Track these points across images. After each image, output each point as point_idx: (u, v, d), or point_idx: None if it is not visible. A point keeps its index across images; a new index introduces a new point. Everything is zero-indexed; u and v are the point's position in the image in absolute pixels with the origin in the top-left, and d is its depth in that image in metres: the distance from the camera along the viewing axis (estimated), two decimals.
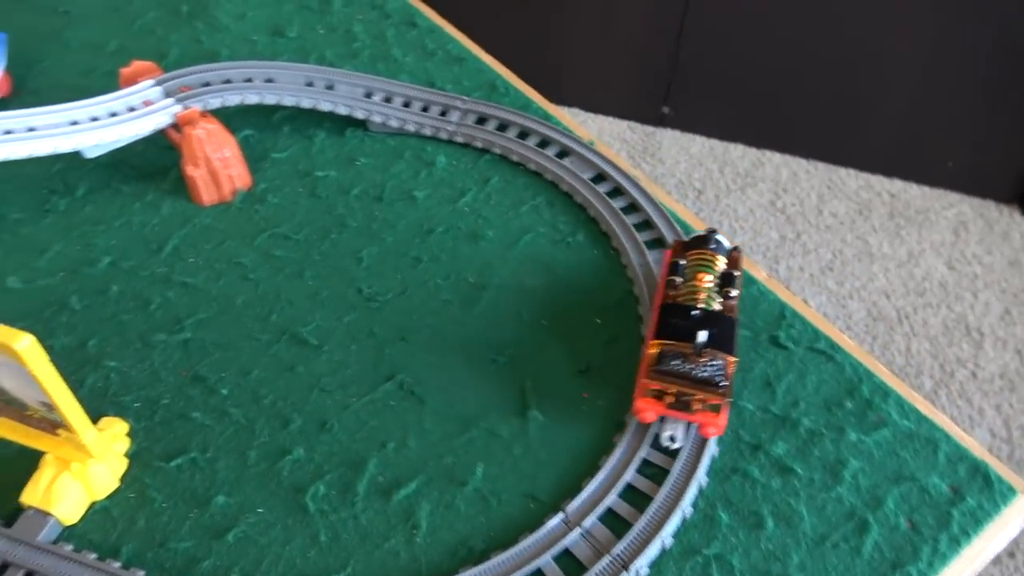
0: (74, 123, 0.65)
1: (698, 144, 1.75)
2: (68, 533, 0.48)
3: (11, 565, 0.45)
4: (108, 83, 0.78)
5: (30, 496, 0.47)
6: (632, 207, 0.69)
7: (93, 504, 0.49)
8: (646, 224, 0.67)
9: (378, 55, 0.87)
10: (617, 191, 0.70)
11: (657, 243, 0.65)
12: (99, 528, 0.48)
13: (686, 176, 1.67)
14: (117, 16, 0.92)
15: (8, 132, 0.63)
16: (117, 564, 0.46)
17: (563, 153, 0.73)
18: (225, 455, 0.52)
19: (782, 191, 1.64)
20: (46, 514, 0.47)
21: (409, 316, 0.61)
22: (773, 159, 1.72)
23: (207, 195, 0.68)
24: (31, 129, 0.64)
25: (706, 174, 1.68)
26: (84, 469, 0.47)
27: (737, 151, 1.73)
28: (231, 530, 0.48)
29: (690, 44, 1.69)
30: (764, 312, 0.61)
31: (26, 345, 0.38)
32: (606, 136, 1.76)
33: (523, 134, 0.76)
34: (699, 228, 0.66)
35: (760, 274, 0.65)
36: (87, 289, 0.62)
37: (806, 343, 0.59)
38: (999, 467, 0.53)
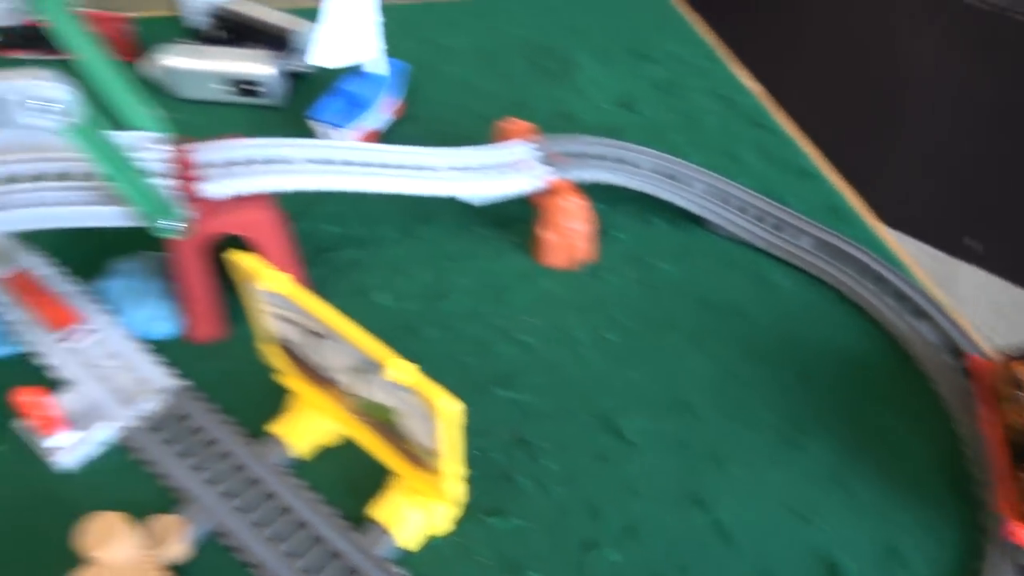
0: (461, 168, 0.72)
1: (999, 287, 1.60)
2: (400, 557, 0.53)
3: (358, 572, 0.51)
4: (477, 124, 0.86)
5: (380, 513, 0.52)
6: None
7: (428, 538, 0.54)
8: None
9: (723, 149, 0.88)
10: (966, 372, 0.66)
11: None
12: (428, 561, 0.53)
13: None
14: (487, 61, 1.00)
15: (401, 167, 0.70)
16: None
17: (919, 313, 0.70)
18: (541, 529, 0.55)
19: None
20: (387, 532, 0.52)
21: (726, 441, 0.61)
22: None
23: (554, 260, 0.73)
24: (415, 168, 0.71)
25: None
26: (432, 505, 0.52)
27: None
28: None
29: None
30: None
31: (453, 411, 0.43)
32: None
33: (879, 279, 0.73)
34: None
35: None
36: (438, 323, 0.68)
37: None
38: None
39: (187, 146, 0.63)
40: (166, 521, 0.51)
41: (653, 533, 0.55)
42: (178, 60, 0.87)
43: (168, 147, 0.61)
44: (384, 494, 0.53)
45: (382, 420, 0.51)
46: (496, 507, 0.55)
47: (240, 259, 0.50)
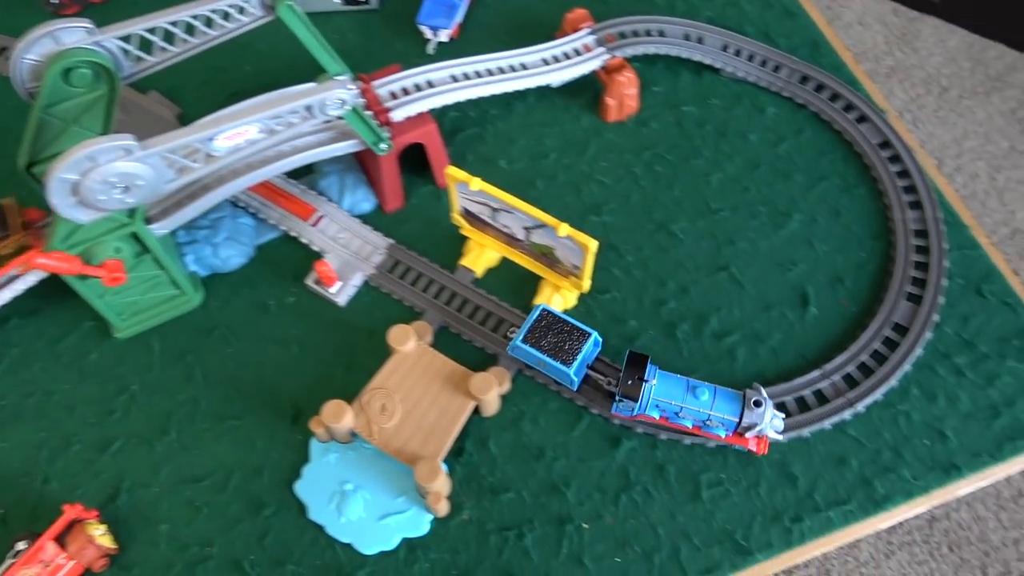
0: (544, 62, 1.00)
1: (958, 38, 1.84)
2: None
3: None
4: (530, 6, 1.11)
5: (539, 301, 0.89)
6: (905, 173, 0.97)
7: (564, 311, 0.91)
8: (912, 189, 0.96)
9: (728, 1, 1.13)
10: (896, 158, 0.98)
11: (917, 206, 0.95)
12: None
13: (936, 71, 1.80)
14: None
15: (500, 71, 0.99)
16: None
17: (862, 119, 1.01)
18: (630, 297, 0.92)
19: None
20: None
21: (738, 228, 0.96)
22: None
23: (614, 116, 1.03)
24: (514, 68, 1.00)
25: (956, 71, 1.80)
26: (568, 294, 0.89)
27: (995, 51, 1.82)
28: (637, 339, 0.89)
29: None
30: (977, 269, 0.92)
31: (593, 247, 0.77)
32: (869, 16, 1.88)
33: (834, 96, 1.03)
34: (960, 211, 0.95)
35: (982, 239, 0.94)
36: (542, 175, 1.01)
37: (1000, 296, 0.90)
38: None
39: (366, 84, 0.92)
40: (418, 324, 0.89)
41: (697, 290, 0.92)
42: None
43: (357, 86, 0.91)
44: (539, 291, 0.90)
45: (541, 252, 0.86)
46: (602, 287, 0.92)
47: (450, 171, 0.82)
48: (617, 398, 0.79)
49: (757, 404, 0.77)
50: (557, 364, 0.79)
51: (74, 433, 0.86)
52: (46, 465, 0.85)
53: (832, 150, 1.01)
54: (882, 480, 0.82)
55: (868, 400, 0.83)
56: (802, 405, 0.84)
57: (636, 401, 0.77)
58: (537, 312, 0.82)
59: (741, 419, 0.77)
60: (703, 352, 0.88)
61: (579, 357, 0.80)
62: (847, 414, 0.83)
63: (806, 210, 0.97)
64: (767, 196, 0.98)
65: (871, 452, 0.83)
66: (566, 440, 0.84)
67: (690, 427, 0.80)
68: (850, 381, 0.84)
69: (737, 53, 1.07)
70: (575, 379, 0.81)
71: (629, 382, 0.78)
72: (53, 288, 0.86)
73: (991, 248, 0.94)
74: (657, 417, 0.80)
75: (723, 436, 0.80)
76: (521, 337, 0.81)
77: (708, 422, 0.78)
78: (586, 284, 0.86)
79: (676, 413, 0.79)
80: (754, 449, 0.80)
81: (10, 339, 0.92)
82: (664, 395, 0.78)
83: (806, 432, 0.83)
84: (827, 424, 0.83)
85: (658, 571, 0.78)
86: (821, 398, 0.84)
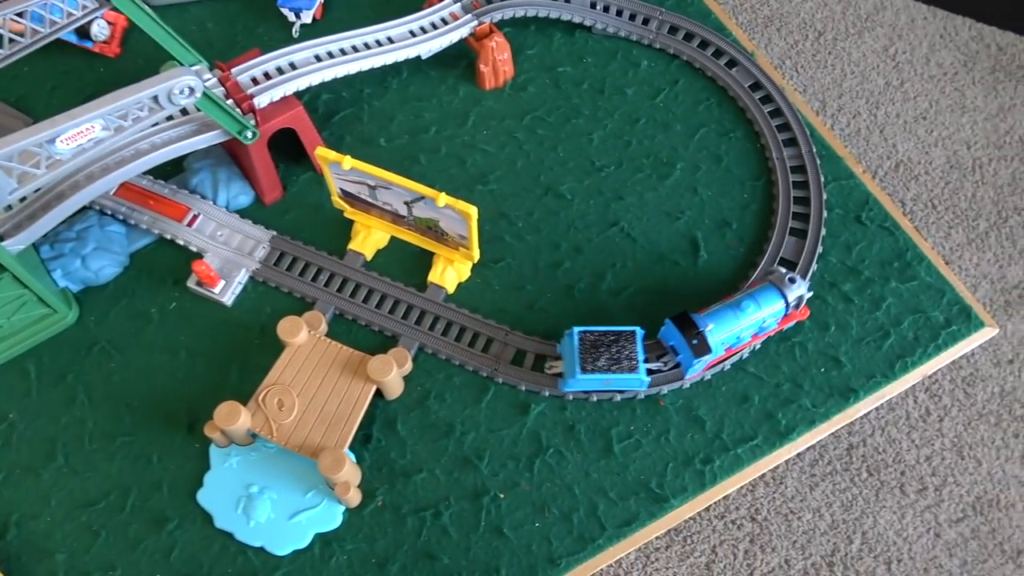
0: (411, 33, 0.98)
1: None
2: (448, 298, 0.89)
3: (427, 312, 0.87)
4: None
5: (432, 277, 0.88)
6: (777, 112, 0.99)
7: (459, 284, 0.89)
8: (786, 127, 0.98)
9: None
10: (768, 98, 1.00)
11: (792, 143, 0.97)
12: (464, 294, 0.89)
13: (810, 15, 1.85)
14: None
15: (366, 46, 0.96)
16: (478, 315, 0.87)
17: (731, 63, 1.03)
18: (525, 263, 0.91)
19: (896, 37, 1.82)
20: (440, 287, 0.88)
21: (624, 183, 0.96)
22: (895, 3, 1.87)
23: (490, 84, 1.02)
24: (381, 42, 0.97)
25: (829, 15, 1.85)
26: (461, 267, 0.88)
27: None
28: (535, 304, 0.88)
29: None
30: (855, 198, 0.94)
31: (473, 213, 0.76)
32: None
33: (703, 44, 1.04)
34: (834, 144, 0.97)
35: (857, 168, 0.97)
36: (425, 149, 0.98)
37: (878, 222, 0.93)
38: (980, 310, 0.89)
39: (225, 72, 0.88)
40: (310, 314, 0.86)
41: (591, 248, 0.92)
42: None
43: (214, 74, 0.86)
44: (432, 266, 0.89)
45: (427, 226, 0.84)
46: (496, 257, 0.91)
47: (320, 151, 0.79)
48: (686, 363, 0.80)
49: (791, 280, 0.80)
50: (626, 376, 0.78)
51: None
52: None
53: (707, 97, 1.02)
54: (784, 412, 0.84)
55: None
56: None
57: (710, 352, 0.78)
58: (575, 337, 0.80)
59: (787, 301, 0.80)
60: (602, 307, 0.88)
61: (640, 358, 0.79)
62: (745, 352, 0.84)
63: (688, 159, 0.98)
64: (649, 149, 0.99)
65: (771, 387, 0.85)
66: (474, 413, 0.83)
67: (748, 342, 0.82)
68: None
69: (606, 9, 1.07)
70: (646, 380, 0.80)
71: (694, 342, 0.78)
72: None
73: (866, 178, 0.97)
74: (722, 353, 0.81)
75: (774, 328, 0.83)
76: (578, 368, 0.78)
77: (764, 324, 0.81)
78: (475, 253, 0.85)
79: (739, 338, 0.80)
80: (802, 318, 0.84)
81: None
82: (724, 330, 0.79)
83: (707, 375, 0.84)
84: (727, 364, 0.84)
85: (578, 530, 0.78)
86: None
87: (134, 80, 1.07)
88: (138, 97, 0.73)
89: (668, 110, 1.01)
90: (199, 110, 0.81)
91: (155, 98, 0.74)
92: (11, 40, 0.77)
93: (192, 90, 0.75)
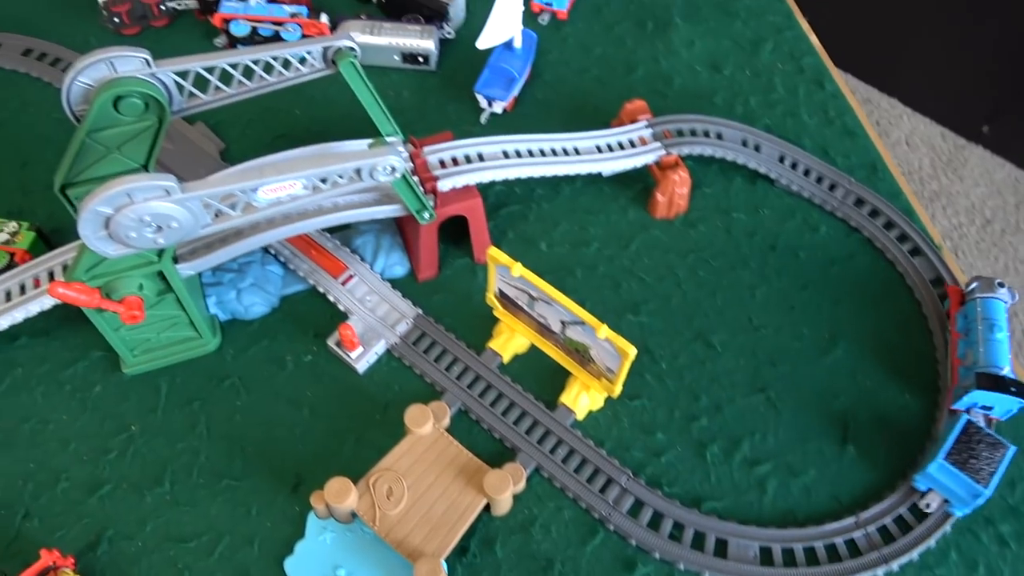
0: (598, 148, 0.98)
1: (1005, 172, 1.82)
2: (575, 423, 0.86)
3: (551, 434, 0.84)
4: (592, 86, 1.10)
5: (565, 398, 0.85)
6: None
7: (590, 412, 0.87)
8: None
9: (789, 111, 1.12)
10: (944, 296, 0.94)
11: None
12: (591, 426, 0.86)
13: (980, 201, 1.78)
14: (598, 19, 1.21)
15: (552, 152, 0.97)
16: (603, 450, 0.84)
17: (915, 251, 0.98)
18: (661, 407, 0.88)
19: None
20: (570, 411, 0.85)
21: (780, 349, 0.92)
22: None
23: (662, 213, 1.00)
24: (568, 151, 0.98)
25: (1000, 205, 1.78)
26: (596, 395, 0.85)
27: None
28: (663, 455, 0.85)
29: None
30: None
31: (632, 353, 0.74)
32: (916, 137, 1.87)
33: (888, 224, 1.00)
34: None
35: None
36: (582, 264, 0.97)
37: None
38: None
39: (416, 149, 0.90)
40: (437, 405, 0.84)
41: (732, 410, 0.88)
42: (364, 37, 1.11)
43: (407, 149, 0.88)
44: (566, 387, 0.86)
45: (575, 348, 0.82)
46: (632, 393, 0.88)
47: (493, 252, 0.79)
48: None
49: (1000, 285, 0.89)
50: (973, 485, 0.76)
51: (64, 469, 0.82)
52: (30, 500, 0.80)
53: (884, 279, 0.98)
54: None
55: (903, 559, 0.78)
56: (832, 554, 0.78)
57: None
58: (962, 425, 0.79)
59: None
60: (732, 479, 0.83)
61: (996, 476, 0.77)
62: (880, 571, 0.77)
63: (853, 339, 0.93)
64: (813, 319, 0.94)
65: None
66: (577, 555, 0.79)
67: None
68: (885, 535, 0.79)
69: (793, 166, 1.04)
70: (980, 497, 0.77)
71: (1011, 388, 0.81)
72: (66, 310, 0.82)
73: None
74: None
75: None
76: (944, 454, 0.77)
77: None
78: (618, 389, 0.82)
79: None
80: None
81: (15, 359, 0.88)
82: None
83: None
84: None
85: None
86: (853, 549, 0.79)
87: (325, 129, 1.11)
88: (344, 167, 0.74)
89: (840, 283, 0.97)
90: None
91: (359, 171, 0.76)
92: (240, 82, 0.81)
93: (395, 170, 0.77)
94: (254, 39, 1.13)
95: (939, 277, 0.96)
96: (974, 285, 0.91)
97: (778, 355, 0.92)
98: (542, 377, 0.89)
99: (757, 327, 0.94)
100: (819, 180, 1.04)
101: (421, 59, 1.13)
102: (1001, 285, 0.89)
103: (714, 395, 0.89)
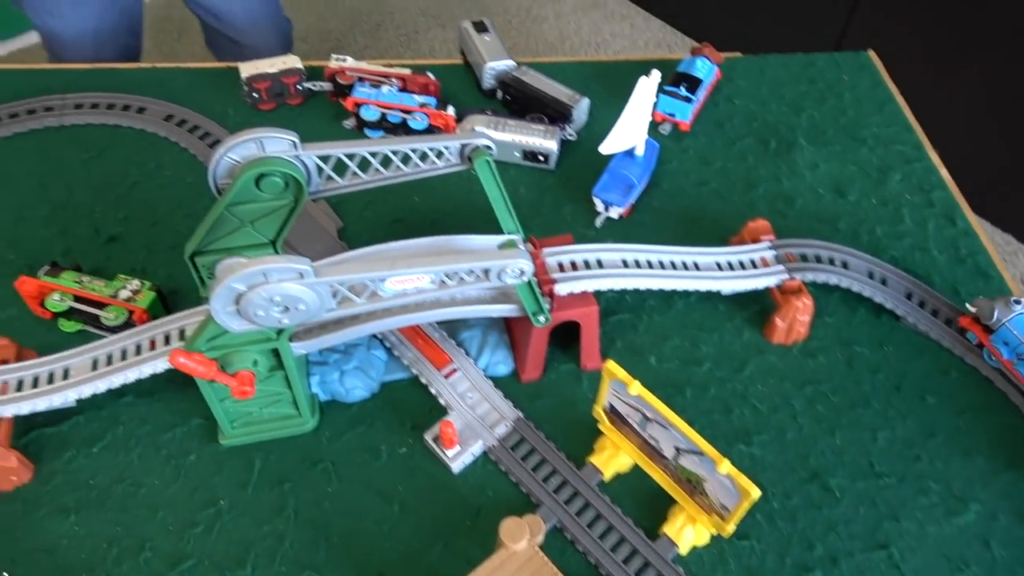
0: (718, 265, 0.96)
1: None
2: (677, 559, 0.81)
3: (650, 566, 0.79)
4: (711, 200, 1.08)
5: (669, 529, 0.80)
6: None
7: (694, 548, 0.81)
8: None
9: (917, 244, 1.07)
10: None
11: None
12: (694, 564, 0.80)
13: None
14: (720, 133, 1.21)
15: (672, 265, 0.94)
16: None
17: None
18: (771, 553, 0.81)
19: None
20: (673, 543, 0.80)
21: (904, 502, 0.85)
22: None
23: (779, 339, 0.96)
24: (687, 265, 0.95)
25: None
26: (702, 530, 0.80)
27: None
28: None
29: None
30: None
31: (755, 495, 0.69)
32: None
33: None
34: None
35: None
36: (693, 383, 0.93)
37: None
38: None
39: (536, 250, 0.89)
40: (532, 519, 0.80)
41: (850, 566, 0.81)
42: (488, 132, 1.13)
43: (527, 249, 0.88)
44: (670, 517, 0.81)
45: (686, 478, 0.77)
46: (741, 533, 0.82)
47: (611, 366, 0.76)
48: None
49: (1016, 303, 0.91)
50: None
51: (150, 538, 0.80)
52: (112, 566, 0.78)
53: (1020, 437, 0.90)
54: None
55: None
56: None
57: None
58: None
59: None
60: None
61: None
62: None
63: (986, 501, 0.85)
64: (942, 473, 0.87)
65: None
66: None
67: None
68: None
69: (922, 304, 0.99)
70: None
71: None
72: (175, 373, 0.82)
73: None
74: None
75: None
76: None
77: None
78: (730, 528, 0.77)
79: None
80: None
81: (119, 415, 0.89)
82: None
83: None
84: None
85: None
86: None
87: (441, 218, 1.12)
88: (475, 266, 0.74)
89: (972, 436, 0.90)
90: None
91: (487, 271, 0.75)
92: (376, 170, 0.83)
93: (523, 273, 0.76)
94: (382, 124, 1.16)
95: None
96: None
97: (902, 509, 0.84)
98: (643, 501, 0.84)
99: (879, 474, 0.87)
100: (948, 322, 0.98)
101: (542, 158, 1.14)
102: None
103: (830, 545, 0.82)
